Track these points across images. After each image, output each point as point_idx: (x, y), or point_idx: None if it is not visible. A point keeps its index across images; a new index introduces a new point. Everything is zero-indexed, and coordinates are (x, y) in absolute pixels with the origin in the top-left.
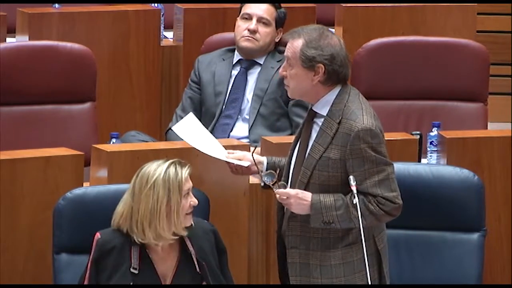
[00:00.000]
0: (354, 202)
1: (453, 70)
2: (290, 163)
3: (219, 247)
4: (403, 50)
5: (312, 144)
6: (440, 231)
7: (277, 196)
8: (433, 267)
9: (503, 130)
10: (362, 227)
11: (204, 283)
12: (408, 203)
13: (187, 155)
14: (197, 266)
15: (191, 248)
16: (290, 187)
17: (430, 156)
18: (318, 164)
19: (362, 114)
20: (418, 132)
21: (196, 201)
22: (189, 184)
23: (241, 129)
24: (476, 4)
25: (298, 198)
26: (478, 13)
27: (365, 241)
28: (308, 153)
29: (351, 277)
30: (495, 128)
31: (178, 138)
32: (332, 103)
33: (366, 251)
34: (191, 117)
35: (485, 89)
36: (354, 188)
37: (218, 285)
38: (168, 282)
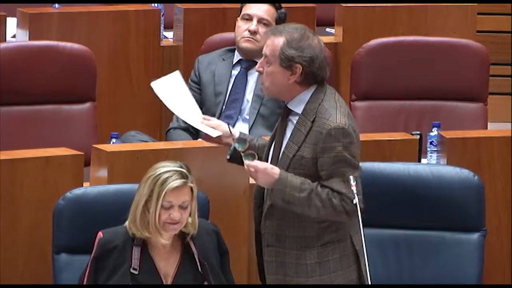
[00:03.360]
0: (354, 202)
1: (453, 70)
2: (267, 161)
3: (221, 248)
4: (403, 50)
5: (287, 143)
6: (440, 231)
7: (245, 166)
8: (433, 267)
9: (503, 130)
10: (340, 226)
11: (205, 283)
12: (408, 203)
13: (187, 155)
14: (199, 266)
15: (193, 248)
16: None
17: (430, 156)
18: (292, 163)
19: (336, 113)
20: (418, 132)
21: (177, 217)
22: (176, 198)
23: (241, 129)
24: (476, 4)
25: (266, 173)
26: (478, 13)
27: (341, 241)
28: (283, 152)
29: (327, 276)
30: (495, 128)
31: (178, 139)
32: (307, 102)
33: (343, 250)
34: (176, 75)
35: (485, 89)
36: (354, 188)
37: (220, 285)
38: (169, 281)
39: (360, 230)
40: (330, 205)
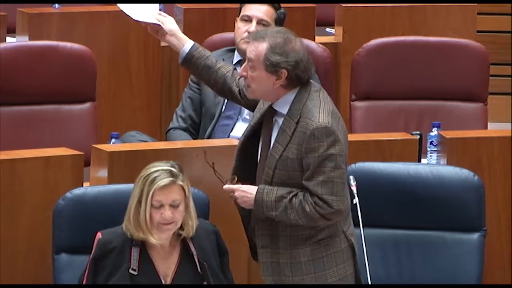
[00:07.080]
0: (354, 203)
1: (453, 70)
2: (253, 160)
3: (221, 248)
4: (403, 50)
5: (273, 143)
6: (440, 231)
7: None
8: (433, 267)
9: (503, 130)
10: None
11: (205, 283)
12: (408, 203)
13: (187, 155)
14: (198, 267)
15: (192, 249)
16: (256, 185)
17: (430, 156)
18: (278, 164)
19: (319, 112)
20: (418, 132)
21: (169, 217)
22: (165, 197)
23: (241, 129)
24: (476, 4)
25: (242, 191)
26: (478, 13)
27: (334, 237)
28: (270, 153)
29: (322, 273)
30: (495, 128)
31: (178, 139)
32: (292, 102)
33: (337, 246)
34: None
35: (485, 89)
36: (354, 188)
37: (219, 285)
38: (168, 282)
39: (359, 227)
40: (304, 214)
